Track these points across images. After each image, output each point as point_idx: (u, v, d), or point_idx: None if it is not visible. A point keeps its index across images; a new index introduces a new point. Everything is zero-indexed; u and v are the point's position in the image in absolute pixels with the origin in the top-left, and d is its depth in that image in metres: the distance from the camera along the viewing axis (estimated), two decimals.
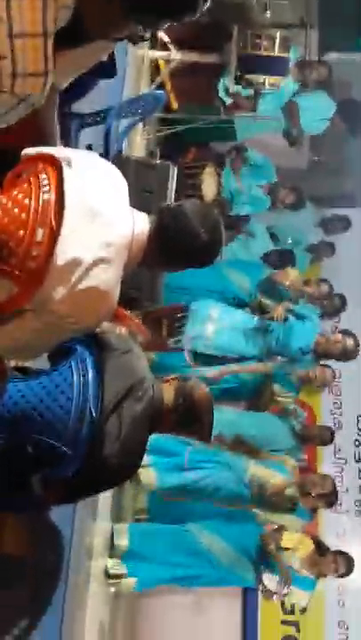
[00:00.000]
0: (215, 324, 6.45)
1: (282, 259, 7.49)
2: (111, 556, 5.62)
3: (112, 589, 5.66)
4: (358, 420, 7.90)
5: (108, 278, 2.31)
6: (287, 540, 5.75)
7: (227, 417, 6.09)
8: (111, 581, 5.58)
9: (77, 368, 2.94)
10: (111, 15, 1.90)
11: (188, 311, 6.46)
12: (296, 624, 6.89)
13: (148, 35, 2.04)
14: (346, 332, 6.60)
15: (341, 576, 5.94)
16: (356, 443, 7.83)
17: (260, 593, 6.05)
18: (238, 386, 6.45)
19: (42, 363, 3.03)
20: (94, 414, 2.85)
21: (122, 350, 2.97)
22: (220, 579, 5.80)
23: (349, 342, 6.43)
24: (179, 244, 2.50)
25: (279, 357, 6.53)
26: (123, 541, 5.62)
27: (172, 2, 1.90)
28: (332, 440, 6.85)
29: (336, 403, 7.87)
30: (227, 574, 5.75)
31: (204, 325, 6.43)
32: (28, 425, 2.88)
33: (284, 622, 6.89)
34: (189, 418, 2.98)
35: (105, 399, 2.87)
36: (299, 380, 6.62)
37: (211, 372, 6.21)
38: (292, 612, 6.66)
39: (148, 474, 5.62)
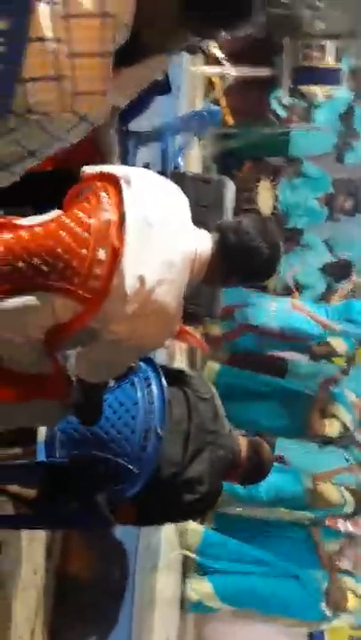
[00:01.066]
0: (276, 314, 6.41)
1: (341, 270, 7.43)
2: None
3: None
4: None
5: (170, 298, 2.29)
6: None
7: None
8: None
9: (141, 385, 2.96)
10: (170, 28, 1.90)
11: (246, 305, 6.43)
12: None
13: (205, 45, 2.04)
14: None
15: None
16: None
17: None
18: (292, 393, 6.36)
19: None
20: (160, 432, 2.85)
21: (206, 394, 3.09)
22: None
23: None
24: (241, 262, 2.47)
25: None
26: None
27: (228, 10, 1.89)
28: None
29: None
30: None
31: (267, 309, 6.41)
32: (94, 443, 2.89)
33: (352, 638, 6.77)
34: (255, 472, 3.20)
35: (193, 440, 2.95)
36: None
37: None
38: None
39: None
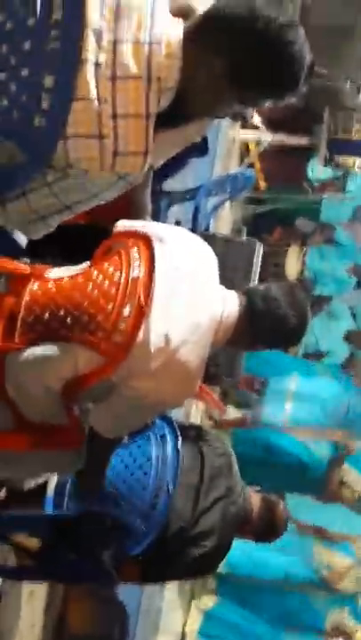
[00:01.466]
0: (293, 399, 6.43)
1: None
2: None
3: None
4: None
5: (193, 358, 2.28)
6: None
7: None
8: None
9: (157, 442, 2.95)
10: (217, 94, 1.94)
11: (266, 385, 6.47)
12: None
13: (249, 112, 2.09)
14: None
15: None
16: None
17: None
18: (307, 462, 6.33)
19: None
20: (170, 490, 2.84)
21: (221, 451, 3.08)
22: None
23: None
24: (268, 329, 2.47)
25: None
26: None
27: (275, 80, 1.93)
28: None
29: None
30: None
31: (281, 402, 6.43)
32: (103, 497, 2.88)
33: None
34: (268, 530, 3.16)
35: (204, 494, 2.94)
36: None
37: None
38: None
39: None
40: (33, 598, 3.63)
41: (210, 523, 2.90)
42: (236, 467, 3.10)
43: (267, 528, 3.14)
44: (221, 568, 5.52)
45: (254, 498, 3.11)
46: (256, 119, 6.73)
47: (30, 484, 2.87)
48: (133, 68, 1.82)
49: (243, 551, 5.56)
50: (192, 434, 3.07)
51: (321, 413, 6.43)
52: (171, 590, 5.27)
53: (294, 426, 6.42)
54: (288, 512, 3.36)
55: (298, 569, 5.83)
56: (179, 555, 2.90)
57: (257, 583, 5.86)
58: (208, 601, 5.78)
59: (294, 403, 6.44)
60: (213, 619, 5.70)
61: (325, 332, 7.44)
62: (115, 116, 1.81)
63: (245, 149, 7.05)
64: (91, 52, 1.79)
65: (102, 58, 1.80)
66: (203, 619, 5.67)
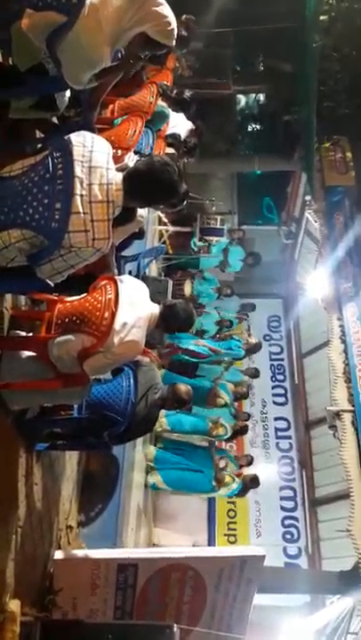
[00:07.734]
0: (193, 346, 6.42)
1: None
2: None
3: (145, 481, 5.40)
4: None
5: (139, 335, 2.28)
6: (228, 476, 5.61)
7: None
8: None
9: (127, 378, 2.91)
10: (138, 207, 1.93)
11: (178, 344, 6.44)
12: (234, 503, 6.68)
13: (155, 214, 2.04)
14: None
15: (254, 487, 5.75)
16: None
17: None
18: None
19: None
20: (133, 401, 2.81)
21: (148, 368, 3.00)
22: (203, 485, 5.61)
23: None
24: (172, 323, 2.45)
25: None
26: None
27: (164, 199, 1.93)
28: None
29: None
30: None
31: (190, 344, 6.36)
32: (101, 407, 2.82)
33: (228, 502, 6.68)
34: (178, 401, 3.03)
35: (139, 392, 2.84)
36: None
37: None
38: (231, 498, 6.41)
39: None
40: (72, 457, 3.54)
41: (143, 405, 2.81)
42: (157, 374, 2.97)
43: (176, 400, 3.00)
44: (165, 427, 5.53)
45: (168, 387, 3.00)
46: (165, 219, 6.72)
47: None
48: (100, 197, 1.78)
49: (171, 417, 5.55)
50: (137, 364, 2.95)
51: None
52: (137, 446, 5.19)
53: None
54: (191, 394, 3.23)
55: (198, 423, 5.73)
56: (133, 426, 2.84)
57: (179, 435, 5.78)
58: (159, 444, 5.67)
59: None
60: (160, 453, 5.60)
61: (203, 321, 7.35)
62: (92, 221, 1.78)
63: (160, 234, 7.03)
64: (78, 189, 1.76)
65: (84, 192, 1.76)
66: (155, 452, 5.57)
